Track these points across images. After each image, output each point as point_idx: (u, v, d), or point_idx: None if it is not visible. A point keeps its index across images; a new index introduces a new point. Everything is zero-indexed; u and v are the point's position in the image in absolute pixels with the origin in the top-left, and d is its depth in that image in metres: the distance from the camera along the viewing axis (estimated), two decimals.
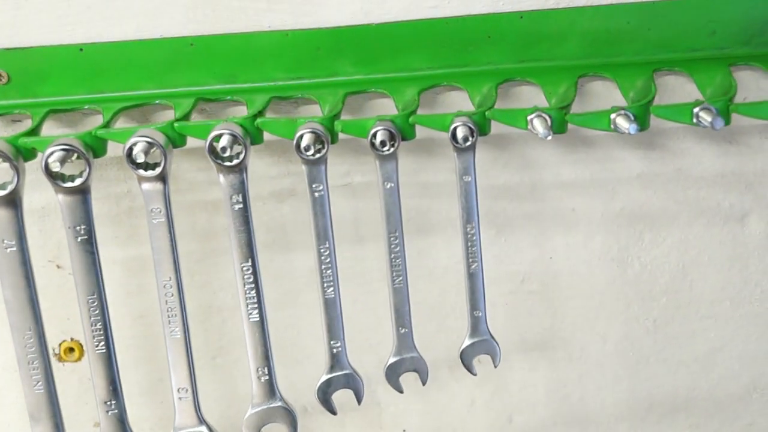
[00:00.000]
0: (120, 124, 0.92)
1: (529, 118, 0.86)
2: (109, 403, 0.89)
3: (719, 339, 1.11)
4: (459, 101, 0.95)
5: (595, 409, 1.12)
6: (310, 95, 0.93)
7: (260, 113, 0.88)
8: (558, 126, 0.87)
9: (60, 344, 1.03)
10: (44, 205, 0.97)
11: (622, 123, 0.84)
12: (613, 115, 0.86)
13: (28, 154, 0.84)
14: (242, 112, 0.92)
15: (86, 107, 0.93)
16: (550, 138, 0.84)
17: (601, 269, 1.05)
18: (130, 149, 0.83)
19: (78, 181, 0.83)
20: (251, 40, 0.92)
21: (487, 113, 0.87)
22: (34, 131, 0.87)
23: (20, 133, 0.85)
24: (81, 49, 0.92)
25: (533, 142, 0.99)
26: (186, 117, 0.88)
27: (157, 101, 0.93)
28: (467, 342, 0.95)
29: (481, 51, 0.94)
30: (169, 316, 0.88)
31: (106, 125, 0.87)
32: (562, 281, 1.04)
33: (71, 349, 1.03)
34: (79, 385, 1.04)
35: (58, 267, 0.99)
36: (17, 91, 0.92)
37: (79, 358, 1.03)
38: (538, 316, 1.05)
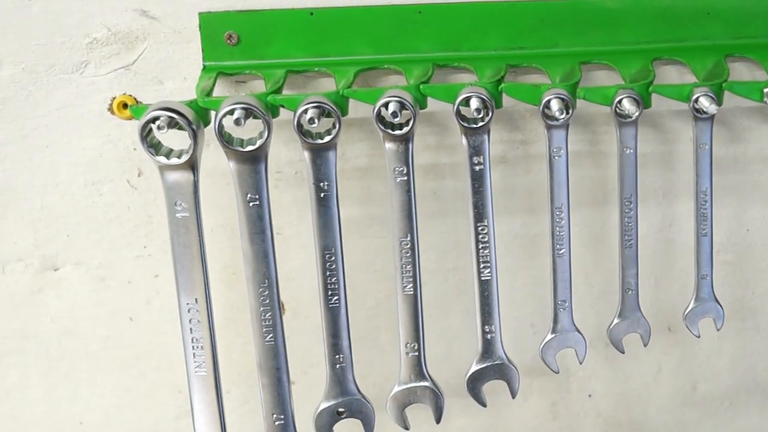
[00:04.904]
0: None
1: (766, 90, 0.89)
2: (339, 357, 0.92)
3: None
4: (674, 75, 0.98)
5: None
6: (537, 65, 0.96)
7: (501, 79, 0.91)
8: None
9: None
10: None
11: None
12: None
13: (275, 111, 0.87)
14: (467, 78, 0.96)
15: (316, 69, 0.96)
16: None
17: None
18: (382, 108, 0.86)
19: (327, 138, 0.86)
20: (477, 10, 0.95)
21: (723, 85, 0.90)
22: (278, 90, 0.90)
23: (268, 91, 0.89)
24: (311, 14, 0.95)
25: (740, 116, 1.02)
26: (427, 80, 0.91)
27: (385, 66, 0.96)
28: (693, 305, 0.99)
29: (699, 26, 0.97)
30: (403, 273, 0.91)
31: (349, 86, 0.90)
32: (756, 253, 1.07)
33: None
34: None
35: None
36: (244, 52, 0.95)
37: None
38: (731, 286, 1.08)
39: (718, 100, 0.90)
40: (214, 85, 0.91)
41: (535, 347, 1.03)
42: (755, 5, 0.96)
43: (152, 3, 0.94)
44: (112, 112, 0.97)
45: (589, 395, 1.13)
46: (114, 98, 0.96)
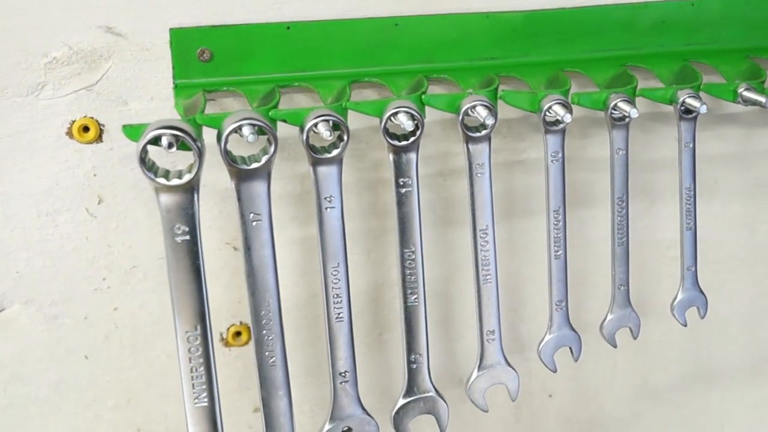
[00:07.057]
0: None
1: (740, 90, 0.96)
2: (343, 374, 0.90)
3: None
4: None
5: (720, 364, 1.22)
6: (515, 74, 0.98)
7: (497, 88, 0.92)
8: None
9: (228, 328, 1.02)
10: (227, 187, 0.96)
11: None
12: None
13: (275, 126, 0.85)
14: (439, 90, 0.97)
15: (296, 84, 0.94)
16: None
17: (734, 235, 1.15)
18: (390, 119, 0.86)
19: (334, 152, 0.85)
20: (453, 21, 0.96)
21: (702, 86, 0.96)
22: (275, 106, 0.87)
23: (270, 106, 0.86)
24: (288, 27, 0.93)
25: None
26: (425, 91, 0.91)
27: (366, 79, 0.95)
28: (680, 295, 1.03)
29: (656, 35, 1.02)
30: (407, 285, 0.90)
31: (348, 98, 0.89)
32: (700, 246, 1.12)
33: (238, 334, 1.02)
34: (243, 370, 1.02)
35: (235, 249, 0.99)
36: (218, 69, 0.92)
37: (246, 342, 1.02)
38: (678, 279, 1.13)
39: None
40: (205, 102, 0.87)
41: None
42: (705, 15, 1.02)
43: (119, 19, 0.89)
44: (71, 137, 0.91)
45: (550, 395, 1.15)
46: (73, 121, 0.91)
